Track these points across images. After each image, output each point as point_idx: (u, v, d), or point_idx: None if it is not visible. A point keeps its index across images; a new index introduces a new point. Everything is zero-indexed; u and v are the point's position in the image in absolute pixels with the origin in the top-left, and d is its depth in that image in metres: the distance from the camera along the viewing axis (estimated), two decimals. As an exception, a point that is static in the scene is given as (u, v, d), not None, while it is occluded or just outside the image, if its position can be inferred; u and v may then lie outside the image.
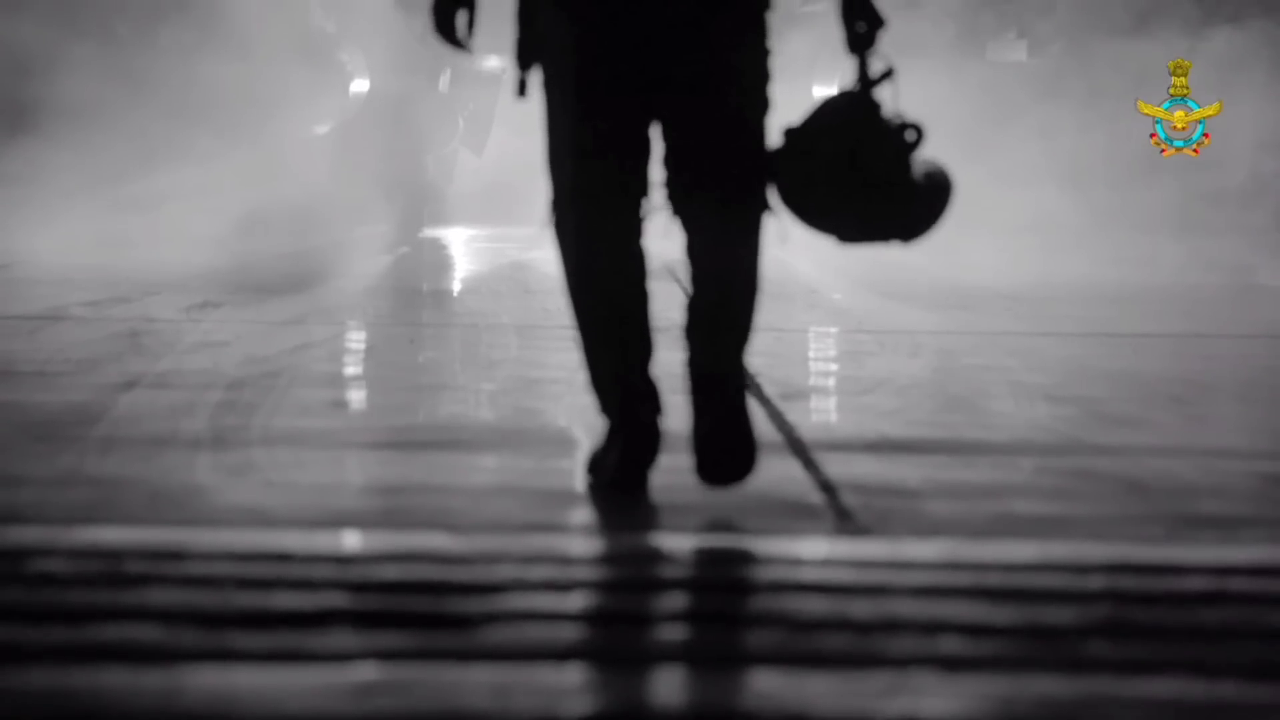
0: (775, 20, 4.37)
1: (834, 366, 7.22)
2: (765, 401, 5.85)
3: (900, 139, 4.21)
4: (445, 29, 4.28)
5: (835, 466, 4.71)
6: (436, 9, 4.29)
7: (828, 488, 4.45)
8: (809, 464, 4.74)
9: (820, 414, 5.87)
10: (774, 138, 4.28)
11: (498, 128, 16.38)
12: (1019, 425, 5.60)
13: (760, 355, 7.08)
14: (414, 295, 10.40)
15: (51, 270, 11.14)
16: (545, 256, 13.29)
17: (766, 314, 8.91)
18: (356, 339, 7.94)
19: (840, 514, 4.17)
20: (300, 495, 4.33)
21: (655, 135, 4.30)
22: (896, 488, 4.48)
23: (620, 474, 4.24)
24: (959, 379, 6.66)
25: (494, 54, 16.77)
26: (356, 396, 6.23)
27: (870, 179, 4.19)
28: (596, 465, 4.32)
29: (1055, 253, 13.40)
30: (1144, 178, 14.31)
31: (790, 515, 4.16)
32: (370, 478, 4.66)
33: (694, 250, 4.29)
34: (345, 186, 15.48)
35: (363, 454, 4.94)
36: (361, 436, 5.20)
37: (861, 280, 11.26)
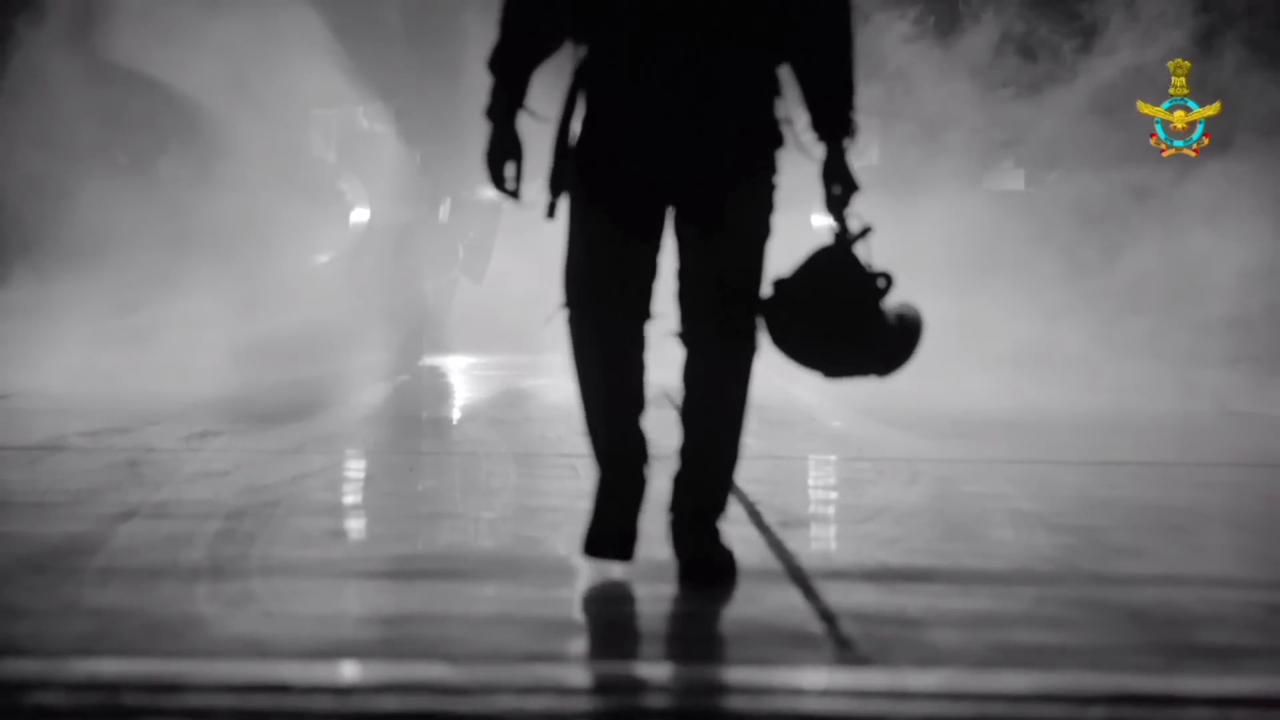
0: (782, 156, 4.85)
1: (833, 494, 7.21)
2: (764, 529, 5.84)
3: (873, 286, 4.77)
4: (498, 178, 4.79)
5: (835, 595, 4.70)
6: (490, 160, 4.79)
7: (828, 616, 4.44)
8: (809, 593, 4.74)
9: (820, 542, 5.86)
10: (768, 281, 4.80)
11: (498, 256, 16.44)
12: (1019, 554, 5.59)
13: (759, 483, 7.08)
14: (413, 423, 10.40)
15: (51, 400, 11.15)
16: (545, 384, 13.31)
17: (766, 441, 8.94)
18: (356, 468, 7.94)
19: (840, 643, 4.16)
20: (299, 626, 4.31)
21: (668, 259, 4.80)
22: (897, 617, 4.47)
23: (609, 528, 4.78)
24: (958, 507, 6.65)
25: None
26: (355, 525, 6.22)
27: (847, 322, 4.77)
28: (593, 540, 4.82)
29: (1050, 380, 13.42)
30: (1134, 307, 14.36)
31: (790, 644, 4.15)
32: (369, 607, 4.65)
33: (691, 371, 4.82)
34: (345, 315, 15.53)
35: (361, 583, 4.93)
36: (360, 566, 5.20)
37: (860, 407, 11.27)
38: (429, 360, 16.34)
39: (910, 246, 14.48)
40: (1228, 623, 4.51)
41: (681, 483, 4.83)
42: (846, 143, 4.80)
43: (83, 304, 14.06)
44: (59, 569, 5.00)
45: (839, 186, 4.78)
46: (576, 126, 4.78)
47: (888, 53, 15.06)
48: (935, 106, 15.13)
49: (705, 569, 4.79)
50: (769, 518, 6.11)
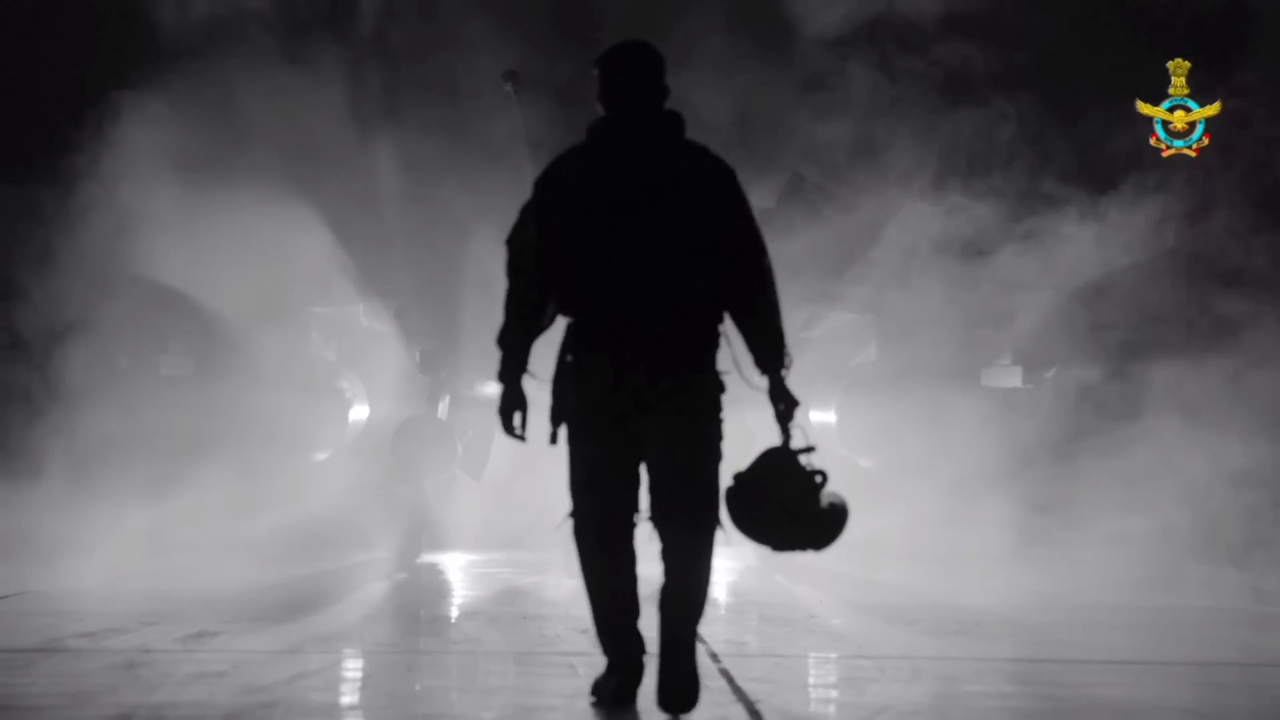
0: (727, 398, 6.29)
1: (834, 693, 7.18)
2: (765, 730, 5.81)
3: (810, 482, 6.22)
4: (508, 426, 6.28)
5: (836, 797, 4.67)
6: (502, 413, 6.28)
7: (829, 820, 4.40)
8: (810, 795, 4.70)
9: (820, 743, 5.83)
10: (726, 478, 6.21)
11: (495, 454, 16.47)
12: (1021, 754, 5.56)
13: (760, 682, 7.05)
14: (411, 622, 10.36)
15: (50, 600, 11.13)
16: (542, 581, 13.27)
17: (767, 639, 8.91)
18: (353, 667, 7.91)
19: (842, 847, 4.12)
20: (295, 831, 4.28)
21: (642, 473, 6.28)
22: (898, 819, 4.44)
23: (617, 696, 6.23)
24: (960, 707, 6.62)
25: (491, 380, 16.92)
26: (353, 727, 6.19)
27: (792, 509, 6.21)
28: (599, 689, 6.30)
29: (1045, 575, 13.41)
30: (1122, 506, 14.38)
31: None
32: (366, 812, 4.62)
33: (666, 553, 6.20)
34: (344, 512, 15.53)
35: (359, 787, 4.89)
36: (358, 769, 5.16)
37: (860, 604, 11.25)
38: (427, 557, 16.32)
39: (906, 442, 14.53)
40: (1232, 824, 4.48)
41: (666, 644, 6.12)
42: (784, 373, 6.27)
43: (84, 506, 14.08)
44: (54, 773, 4.96)
45: (783, 405, 6.28)
46: (568, 379, 6.24)
47: (881, 251, 15.19)
48: (931, 305, 15.23)
49: (676, 697, 6.10)
50: (770, 718, 6.08)
